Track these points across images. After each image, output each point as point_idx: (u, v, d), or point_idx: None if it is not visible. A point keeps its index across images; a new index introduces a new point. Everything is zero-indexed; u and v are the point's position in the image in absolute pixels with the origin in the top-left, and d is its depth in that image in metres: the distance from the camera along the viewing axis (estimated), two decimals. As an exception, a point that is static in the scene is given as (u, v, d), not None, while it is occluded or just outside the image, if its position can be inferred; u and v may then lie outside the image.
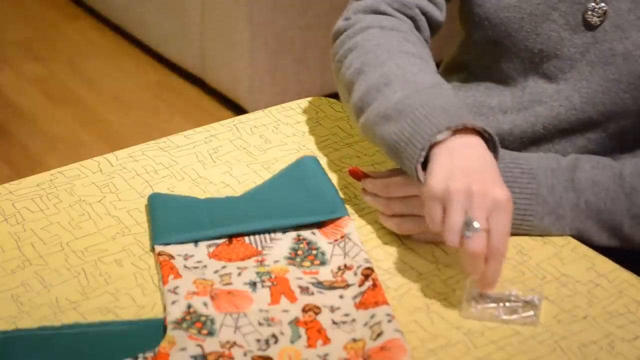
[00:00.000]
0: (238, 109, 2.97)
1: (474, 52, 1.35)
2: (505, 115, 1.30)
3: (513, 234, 1.15)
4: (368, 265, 1.11)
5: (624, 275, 1.13)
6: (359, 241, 1.14)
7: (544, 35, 1.26)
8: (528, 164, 1.18)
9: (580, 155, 1.21)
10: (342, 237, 1.15)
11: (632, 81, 1.22)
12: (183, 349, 0.99)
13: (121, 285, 1.11)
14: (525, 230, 1.17)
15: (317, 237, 1.16)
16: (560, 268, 1.13)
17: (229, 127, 1.40)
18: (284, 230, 1.17)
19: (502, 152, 1.16)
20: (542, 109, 1.28)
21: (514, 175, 1.17)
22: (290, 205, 1.19)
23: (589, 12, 1.23)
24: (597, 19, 1.23)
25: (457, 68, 1.40)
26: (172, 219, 1.17)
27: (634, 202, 1.16)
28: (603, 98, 1.24)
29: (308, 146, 1.34)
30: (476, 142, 1.07)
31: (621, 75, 1.22)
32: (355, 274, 1.10)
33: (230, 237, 1.16)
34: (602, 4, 1.23)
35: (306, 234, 1.17)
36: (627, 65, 1.22)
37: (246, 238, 1.16)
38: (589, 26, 1.24)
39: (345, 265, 1.12)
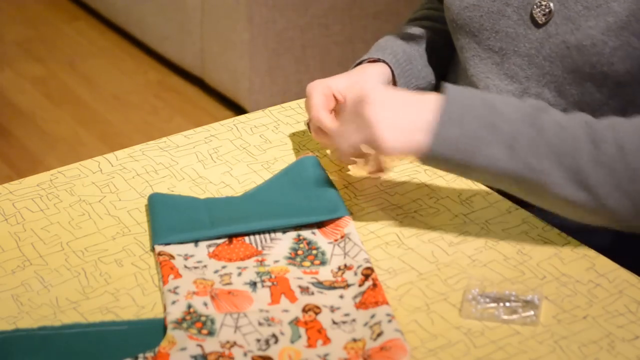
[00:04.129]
0: (238, 109, 2.97)
1: (458, 57, 1.37)
2: None
3: (464, 166, 1.11)
4: (368, 265, 1.11)
5: (624, 275, 1.13)
6: (359, 241, 1.14)
7: (502, 33, 1.27)
8: (491, 96, 1.14)
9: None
10: (342, 237, 1.15)
11: (589, 71, 1.21)
12: (183, 349, 0.99)
13: (121, 285, 1.11)
14: (473, 156, 1.10)
15: (317, 237, 1.16)
16: (560, 268, 1.13)
17: (229, 127, 1.40)
18: (284, 230, 1.17)
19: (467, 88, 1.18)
20: None
21: (474, 104, 1.12)
22: (291, 205, 1.19)
23: (536, 9, 1.24)
24: (543, 17, 1.23)
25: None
26: (172, 219, 1.17)
27: (601, 149, 1.09)
28: (571, 89, 1.24)
29: (308, 146, 1.34)
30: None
31: (578, 67, 1.22)
32: (356, 273, 1.10)
33: (231, 237, 1.16)
34: (549, 2, 1.23)
35: (306, 233, 1.17)
36: (581, 56, 1.21)
37: (246, 238, 1.16)
38: (537, 23, 1.24)
39: (345, 265, 1.12)
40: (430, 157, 1.11)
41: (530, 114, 1.11)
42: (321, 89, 1.27)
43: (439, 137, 1.10)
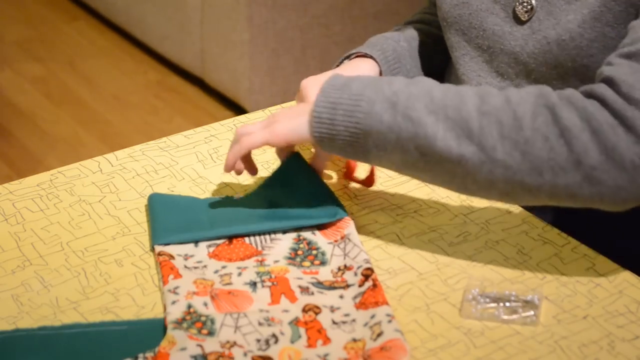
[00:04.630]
0: (238, 109, 2.97)
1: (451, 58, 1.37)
2: None
3: (354, 129, 1.10)
4: (368, 265, 1.11)
5: (624, 275, 1.13)
6: (359, 242, 1.14)
7: (489, 31, 1.27)
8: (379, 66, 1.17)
9: None
10: (342, 237, 1.15)
11: (571, 65, 1.21)
12: (183, 349, 0.99)
13: (121, 285, 1.11)
14: (358, 118, 1.09)
15: (317, 237, 1.16)
16: (560, 268, 1.13)
17: (229, 127, 1.40)
18: (284, 230, 1.17)
19: None
20: None
21: (359, 77, 1.13)
22: (292, 207, 1.19)
23: (518, 6, 1.24)
24: (525, 14, 1.23)
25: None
26: (172, 219, 1.17)
27: (486, 101, 1.06)
28: (557, 84, 1.23)
29: (307, 145, 1.34)
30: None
31: (560, 62, 1.22)
32: (356, 274, 1.10)
33: (231, 237, 1.16)
34: None
35: (306, 234, 1.17)
36: (561, 51, 1.21)
37: (246, 238, 1.16)
38: (520, 20, 1.24)
39: (345, 266, 1.12)
40: (318, 127, 1.11)
41: (415, 80, 1.11)
42: (317, 86, 1.24)
43: (321, 102, 1.11)
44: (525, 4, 1.23)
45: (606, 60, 1.10)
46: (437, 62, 1.41)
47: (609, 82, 1.06)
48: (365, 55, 1.33)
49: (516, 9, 1.24)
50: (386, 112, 1.08)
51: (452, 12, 1.30)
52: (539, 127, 1.04)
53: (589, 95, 1.06)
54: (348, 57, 1.35)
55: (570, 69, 1.22)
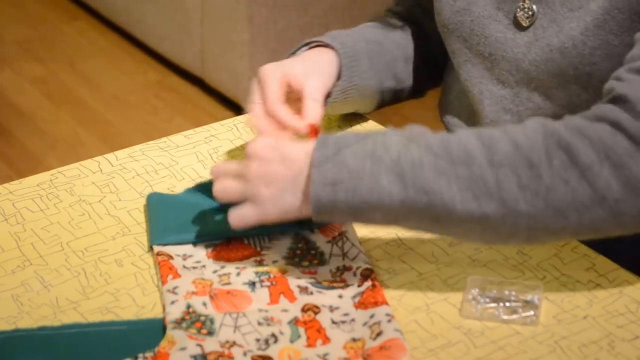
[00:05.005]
0: (238, 109, 2.97)
1: (451, 64, 1.36)
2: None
3: (358, 208, 1.02)
4: (367, 266, 1.11)
5: (624, 275, 1.13)
6: (357, 241, 1.14)
7: (491, 38, 1.25)
8: (367, 132, 1.06)
9: None
10: (339, 234, 1.15)
11: (573, 73, 1.20)
12: (183, 349, 0.99)
13: (121, 285, 1.11)
14: (363, 195, 1.02)
15: (315, 236, 1.16)
16: (560, 268, 1.13)
17: (229, 127, 1.40)
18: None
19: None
20: (509, 117, 1.27)
21: (347, 140, 1.04)
22: None
23: (519, 12, 1.23)
24: (526, 20, 1.22)
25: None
26: (170, 220, 1.17)
27: (494, 150, 1.00)
28: (558, 93, 1.22)
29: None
30: None
31: (562, 70, 1.20)
32: (355, 274, 1.10)
33: (229, 237, 1.16)
34: (532, 4, 1.22)
35: (305, 233, 1.17)
36: (564, 58, 1.19)
37: (244, 238, 1.16)
38: (521, 26, 1.23)
39: (344, 267, 1.12)
40: (319, 208, 1.03)
41: (410, 137, 1.03)
42: (278, 76, 1.21)
43: (318, 185, 1.02)
44: (526, 9, 1.22)
45: (614, 74, 1.05)
46: (394, 71, 1.38)
47: (622, 100, 1.01)
48: (326, 46, 1.30)
49: (517, 14, 1.23)
50: (394, 186, 1.01)
51: (453, 19, 1.28)
52: (558, 171, 0.99)
53: (600, 119, 1.02)
54: (307, 45, 1.31)
55: (571, 77, 1.20)
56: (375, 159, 1.02)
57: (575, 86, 1.21)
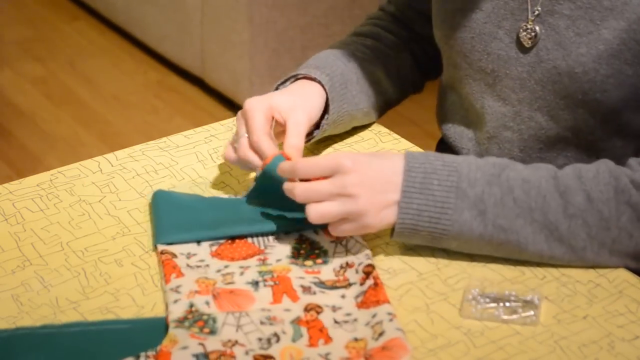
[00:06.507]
0: (238, 109, 2.96)
1: (446, 75, 1.36)
2: (481, 145, 1.30)
3: (438, 235, 1.11)
4: (369, 262, 1.11)
5: (624, 275, 1.13)
6: (360, 238, 1.14)
7: (494, 55, 1.25)
8: (452, 158, 1.13)
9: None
10: (343, 235, 1.16)
11: (582, 97, 1.20)
12: (185, 348, 0.99)
13: (121, 285, 1.11)
14: (445, 225, 1.11)
15: (319, 236, 1.16)
16: (560, 268, 1.13)
17: (229, 127, 1.40)
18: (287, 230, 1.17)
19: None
20: (510, 134, 1.27)
21: (434, 167, 1.11)
22: (293, 208, 1.18)
23: (522, 33, 1.23)
24: (529, 41, 1.22)
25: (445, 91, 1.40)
26: (176, 218, 1.17)
27: (569, 201, 1.10)
28: (564, 114, 1.22)
29: (307, 145, 1.34)
30: None
31: (570, 93, 1.20)
32: (357, 271, 1.10)
33: (233, 237, 1.16)
34: (534, 25, 1.21)
35: (308, 233, 1.17)
36: (572, 83, 1.20)
37: (248, 237, 1.16)
38: (524, 47, 1.23)
39: (347, 263, 1.12)
40: (402, 232, 1.12)
41: (493, 174, 1.11)
42: (263, 109, 1.23)
43: (405, 210, 1.10)
44: (529, 30, 1.22)
45: None
46: (385, 86, 1.38)
47: None
48: (312, 79, 1.29)
49: (520, 35, 1.23)
50: (475, 221, 1.10)
51: (453, 35, 1.28)
52: (624, 225, 1.10)
53: None
54: (294, 77, 1.30)
55: (580, 102, 1.21)
56: (459, 192, 1.10)
57: (582, 110, 1.21)
